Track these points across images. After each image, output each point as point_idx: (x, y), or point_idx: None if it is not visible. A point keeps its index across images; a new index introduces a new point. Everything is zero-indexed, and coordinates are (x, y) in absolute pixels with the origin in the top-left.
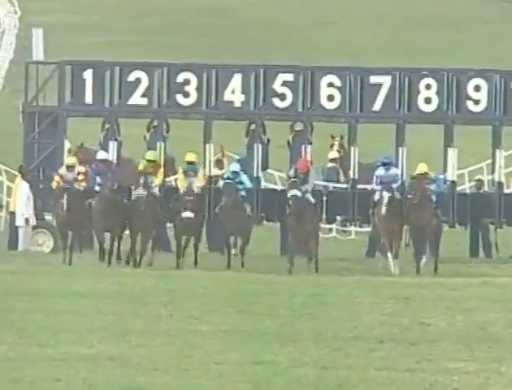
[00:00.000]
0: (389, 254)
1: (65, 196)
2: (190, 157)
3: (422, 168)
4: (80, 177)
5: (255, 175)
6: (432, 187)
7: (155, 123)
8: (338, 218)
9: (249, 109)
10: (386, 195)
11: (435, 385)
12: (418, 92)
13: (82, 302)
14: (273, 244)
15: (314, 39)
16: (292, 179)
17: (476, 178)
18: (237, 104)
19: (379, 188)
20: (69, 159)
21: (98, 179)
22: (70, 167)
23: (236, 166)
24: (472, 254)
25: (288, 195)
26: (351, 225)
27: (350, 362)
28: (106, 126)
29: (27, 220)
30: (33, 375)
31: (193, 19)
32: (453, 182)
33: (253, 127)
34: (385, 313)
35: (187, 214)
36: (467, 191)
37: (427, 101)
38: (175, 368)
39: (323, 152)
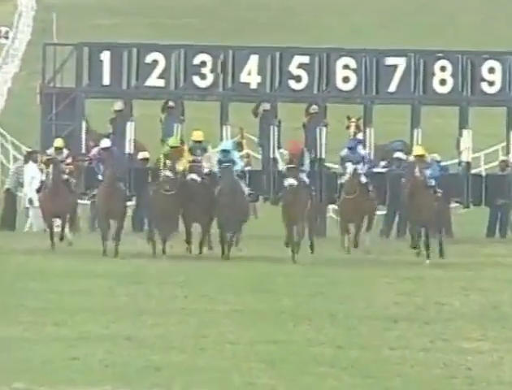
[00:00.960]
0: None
1: (51, 166)
2: (197, 135)
3: (418, 151)
4: (69, 160)
5: (271, 156)
6: (428, 171)
7: (170, 103)
8: None
9: (265, 90)
10: (351, 166)
11: (449, 364)
12: (433, 74)
13: (97, 282)
14: None
15: (325, 22)
16: (289, 166)
17: (500, 159)
18: (253, 86)
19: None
20: (57, 142)
21: (102, 168)
22: (58, 149)
23: (227, 145)
24: (489, 235)
25: (285, 184)
26: None
27: (365, 342)
28: (117, 107)
29: (30, 200)
30: (49, 355)
31: (206, 1)
32: (467, 163)
33: (265, 107)
34: (400, 292)
35: (192, 176)
36: (483, 172)
37: (442, 82)
38: (190, 347)
39: (338, 133)
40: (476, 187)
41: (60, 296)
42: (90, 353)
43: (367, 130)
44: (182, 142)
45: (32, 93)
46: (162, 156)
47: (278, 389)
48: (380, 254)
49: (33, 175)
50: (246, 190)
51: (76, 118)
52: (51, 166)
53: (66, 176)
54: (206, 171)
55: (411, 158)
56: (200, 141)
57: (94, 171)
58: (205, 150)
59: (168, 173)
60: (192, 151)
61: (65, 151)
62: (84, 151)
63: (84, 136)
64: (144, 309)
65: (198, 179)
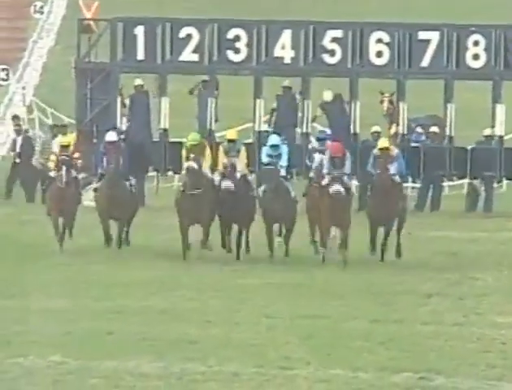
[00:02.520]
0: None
1: (64, 168)
2: (231, 134)
3: (382, 143)
4: (76, 155)
5: (304, 130)
6: (394, 165)
7: (204, 78)
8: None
9: (299, 65)
10: (318, 156)
11: (482, 339)
12: (467, 48)
13: (134, 256)
14: None
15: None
16: (334, 175)
17: None
18: (287, 60)
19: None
20: (64, 138)
21: (106, 164)
22: (65, 147)
23: (276, 139)
24: None
25: (331, 191)
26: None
27: (399, 316)
28: (137, 83)
29: None
30: (87, 328)
31: None
32: (500, 137)
33: (285, 83)
34: (433, 267)
35: (227, 183)
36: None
37: (475, 57)
38: (225, 321)
39: (372, 108)
40: (509, 161)
41: (98, 269)
42: (126, 327)
43: (400, 104)
44: (203, 137)
45: (67, 68)
46: (184, 149)
47: (313, 363)
48: (414, 229)
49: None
50: (292, 192)
51: (111, 93)
52: (64, 168)
53: (75, 174)
54: (238, 174)
55: (376, 151)
56: (234, 140)
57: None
58: (238, 151)
59: (193, 164)
60: (227, 152)
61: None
62: (118, 125)
63: (119, 110)
64: (180, 283)
65: (232, 186)
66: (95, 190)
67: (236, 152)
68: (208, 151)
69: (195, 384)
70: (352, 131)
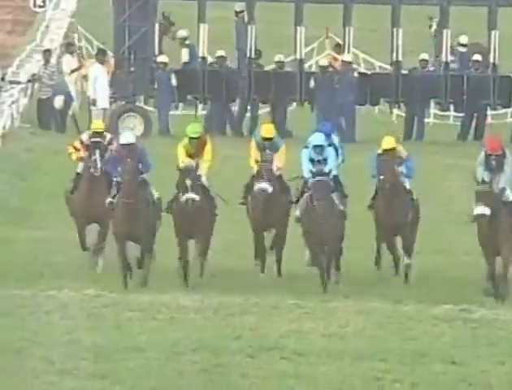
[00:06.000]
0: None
1: (97, 151)
2: (268, 131)
3: (388, 143)
4: (114, 146)
5: (345, 59)
6: (402, 168)
7: (238, 8)
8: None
9: None
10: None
11: None
12: None
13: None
14: None
15: None
16: (483, 189)
17: None
18: None
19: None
20: (96, 124)
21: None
22: (98, 134)
23: (320, 139)
24: None
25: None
26: (448, 109)
27: (441, 246)
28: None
29: (94, 101)
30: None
31: None
32: None
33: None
34: None
35: (263, 185)
36: None
37: None
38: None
39: (414, 36)
40: None
41: None
42: (163, 259)
43: (444, 32)
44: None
45: None
46: (181, 150)
47: (352, 296)
48: (458, 159)
49: (96, 75)
50: (341, 206)
51: (149, 20)
52: (97, 152)
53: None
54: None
55: (379, 152)
56: (270, 138)
57: None
58: (277, 149)
59: (192, 195)
60: (260, 148)
61: (107, 135)
62: (157, 53)
63: (157, 38)
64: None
65: (270, 188)
66: (110, 204)
67: (273, 150)
68: (209, 147)
69: (232, 317)
70: (394, 59)
